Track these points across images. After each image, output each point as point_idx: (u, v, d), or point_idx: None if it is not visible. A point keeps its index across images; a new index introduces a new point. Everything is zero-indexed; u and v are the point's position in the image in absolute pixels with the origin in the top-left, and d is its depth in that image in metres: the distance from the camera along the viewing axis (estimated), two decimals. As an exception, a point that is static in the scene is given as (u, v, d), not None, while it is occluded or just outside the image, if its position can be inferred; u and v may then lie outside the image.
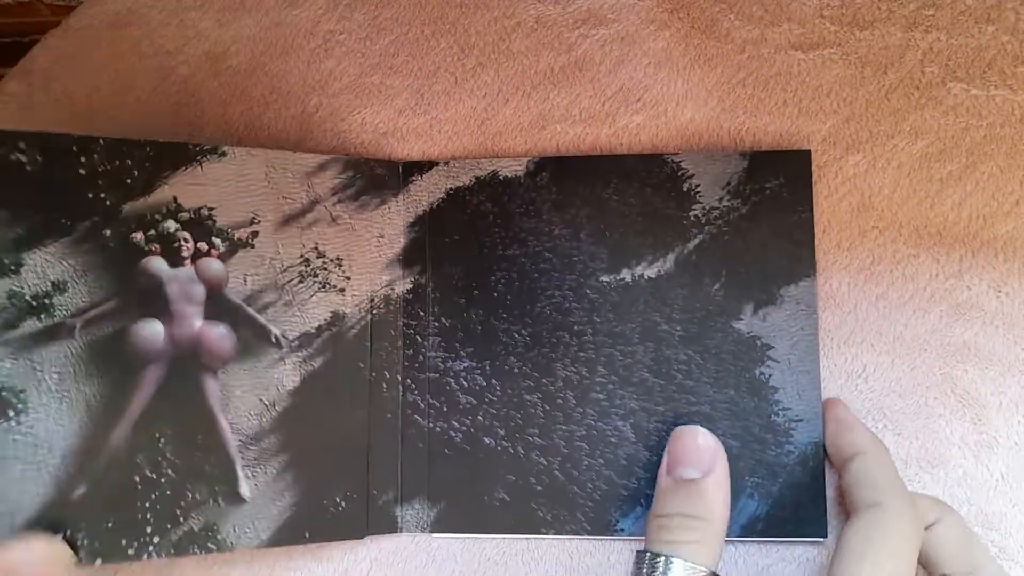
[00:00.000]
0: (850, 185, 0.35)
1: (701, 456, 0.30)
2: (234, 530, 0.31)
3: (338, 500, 0.33)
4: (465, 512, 0.34)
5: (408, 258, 0.35)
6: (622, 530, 0.33)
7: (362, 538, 0.34)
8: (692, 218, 0.34)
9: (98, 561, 0.30)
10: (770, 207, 0.34)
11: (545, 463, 0.34)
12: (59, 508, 0.30)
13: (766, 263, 0.34)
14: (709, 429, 0.32)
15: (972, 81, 0.35)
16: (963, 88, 0.35)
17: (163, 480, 0.31)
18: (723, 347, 0.34)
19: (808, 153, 0.34)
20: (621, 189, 0.35)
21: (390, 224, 0.35)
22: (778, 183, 0.34)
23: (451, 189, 0.36)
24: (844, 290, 0.35)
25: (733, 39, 0.36)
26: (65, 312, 0.30)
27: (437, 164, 0.36)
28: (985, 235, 0.34)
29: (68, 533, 0.29)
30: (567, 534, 0.33)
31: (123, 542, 0.30)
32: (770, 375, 0.33)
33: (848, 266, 0.35)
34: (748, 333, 0.33)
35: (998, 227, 0.34)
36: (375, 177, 0.35)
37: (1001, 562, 0.32)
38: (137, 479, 0.31)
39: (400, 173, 0.36)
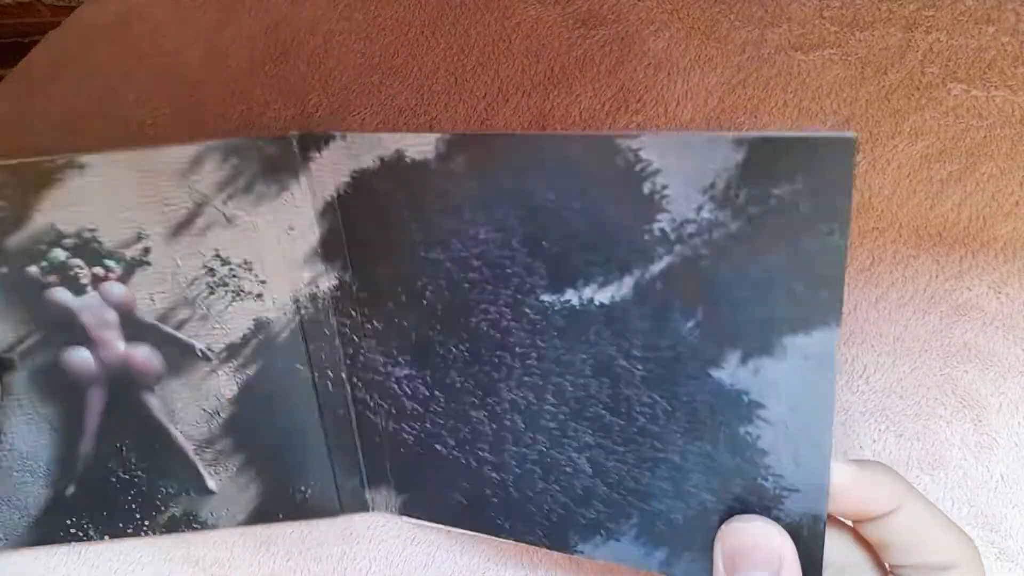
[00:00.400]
0: (850, 186, 0.35)
1: (764, 555, 0.25)
2: (212, 514, 0.34)
3: (304, 488, 0.33)
4: (428, 504, 0.32)
5: (328, 251, 0.30)
6: (581, 552, 0.29)
7: (336, 516, 0.34)
8: (657, 233, 0.25)
9: (105, 537, 0.34)
10: (777, 225, 0.23)
11: (499, 478, 0.30)
12: (58, 503, 0.33)
13: (764, 302, 0.24)
14: (678, 478, 0.27)
15: (972, 82, 0.35)
16: (963, 89, 0.35)
17: (136, 480, 0.33)
18: (697, 397, 0.26)
19: (852, 141, 0.22)
20: (559, 186, 0.26)
21: (298, 213, 0.30)
22: (792, 188, 0.23)
23: (356, 172, 0.29)
24: (844, 291, 0.34)
25: (733, 40, 0.36)
26: (2, 347, 0.32)
27: (335, 138, 0.29)
28: (985, 236, 0.34)
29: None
30: (526, 543, 0.30)
31: (120, 524, 0.34)
32: (758, 436, 0.25)
33: (848, 267, 0.35)
34: (731, 385, 0.25)
35: (998, 228, 0.34)
36: (266, 159, 0.30)
37: (1001, 564, 0.32)
38: (114, 480, 0.33)
39: (296, 149, 0.29)
